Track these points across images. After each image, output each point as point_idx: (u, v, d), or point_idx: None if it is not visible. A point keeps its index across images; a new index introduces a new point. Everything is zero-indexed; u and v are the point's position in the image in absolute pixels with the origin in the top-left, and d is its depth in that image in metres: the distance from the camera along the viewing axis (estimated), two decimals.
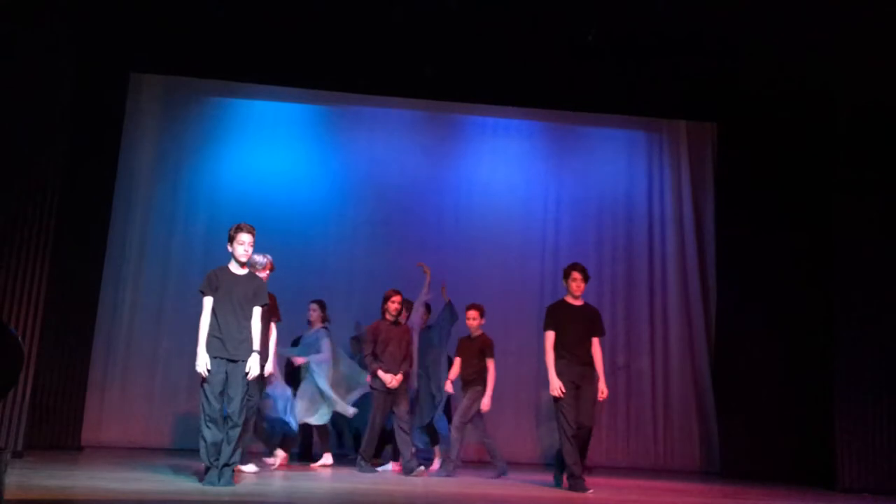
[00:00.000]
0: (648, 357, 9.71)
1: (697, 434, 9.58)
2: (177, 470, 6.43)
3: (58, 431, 8.04)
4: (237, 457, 5.54)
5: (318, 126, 10.04)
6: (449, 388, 7.61)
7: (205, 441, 5.44)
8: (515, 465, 8.67)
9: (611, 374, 8.59)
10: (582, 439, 6.45)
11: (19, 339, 6.65)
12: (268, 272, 6.83)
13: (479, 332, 7.60)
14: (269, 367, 6.83)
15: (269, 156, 9.74)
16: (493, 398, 7.51)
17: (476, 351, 7.51)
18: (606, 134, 10.39)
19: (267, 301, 5.92)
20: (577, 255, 10.04)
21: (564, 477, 6.58)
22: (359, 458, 7.24)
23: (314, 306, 7.79)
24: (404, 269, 9.08)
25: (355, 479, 6.56)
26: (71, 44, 7.65)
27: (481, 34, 8.71)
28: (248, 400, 6.51)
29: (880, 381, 7.71)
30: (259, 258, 6.77)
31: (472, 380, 7.44)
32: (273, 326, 6.96)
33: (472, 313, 7.65)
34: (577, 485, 6.30)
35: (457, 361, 7.61)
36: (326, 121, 10.05)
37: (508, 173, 10.16)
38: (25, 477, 5.38)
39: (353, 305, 9.07)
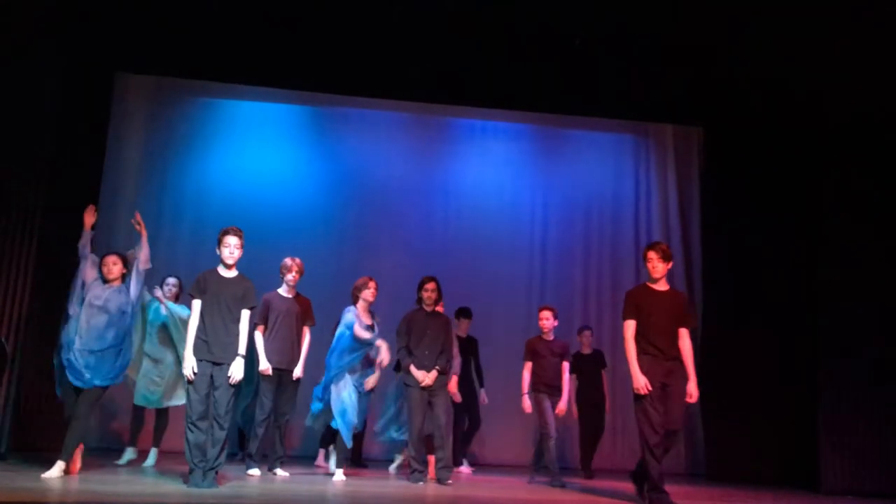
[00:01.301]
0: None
1: (683, 436, 9.61)
2: (161, 472, 6.40)
3: (42, 433, 7.97)
4: (223, 459, 5.53)
5: (305, 127, 10.03)
6: (528, 403, 7.25)
7: (188, 442, 5.43)
8: (510, 468, 8.73)
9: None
10: (666, 446, 5.64)
11: (3, 340, 6.64)
12: (293, 274, 6.88)
13: (553, 335, 7.37)
14: (298, 372, 6.90)
15: (256, 157, 9.73)
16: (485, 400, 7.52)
17: (558, 354, 7.27)
18: (594, 137, 10.44)
19: (255, 303, 5.91)
20: (564, 257, 10.12)
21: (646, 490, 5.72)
22: (410, 467, 6.73)
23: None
24: (392, 270, 9.07)
25: (339, 483, 6.54)
26: (57, 44, 7.62)
27: (470, 37, 8.73)
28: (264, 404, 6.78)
29: (864, 384, 7.77)
30: (287, 261, 6.99)
31: (557, 386, 7.19)
32: (307, 330, 7.02)
33: (546, 314, 7.36)
34: (661, 499, 5.51)
35: (528, 366, 7.32)
36: (314, 122, 10.05)
37: (496, 176, 10.18)
38: (9, 479, 5.35)
39: (341, 307, 9.04)
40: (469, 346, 8.12)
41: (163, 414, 7.22)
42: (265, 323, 6.87)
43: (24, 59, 7.29)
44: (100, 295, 5.91)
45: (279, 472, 6.75)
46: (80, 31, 8.15)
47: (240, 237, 5.72)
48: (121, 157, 9.34)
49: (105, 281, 6.00)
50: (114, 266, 6.03)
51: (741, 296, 9.19)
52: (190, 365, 5.48)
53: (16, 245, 7.07)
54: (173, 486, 5.51)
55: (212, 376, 5.51)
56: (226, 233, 5.73)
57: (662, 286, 5.84)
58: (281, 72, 9.36)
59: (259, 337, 6.79)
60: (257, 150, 9.75)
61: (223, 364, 5.53)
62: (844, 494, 7.52)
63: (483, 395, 8.20)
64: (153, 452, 7.07)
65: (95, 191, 8.96)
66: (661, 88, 9.51)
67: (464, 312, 8.31)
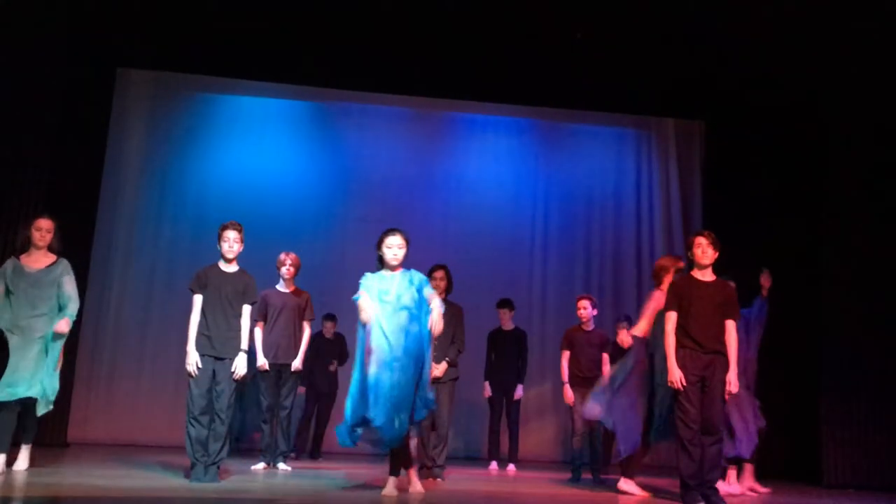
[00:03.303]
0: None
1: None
2: (163, 466, 6.41)
3: (44, 428, 7.98)
4: (225, 453, 5.54)
5: (307, 122, 10.02)
6: (569, 394, 7.09)
7: (189, 437, 5.44)
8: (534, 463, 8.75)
9: None
10: (707, 444, 5.33)
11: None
12: (287, 268, 6.90)
13: (592, 325, 7.23)
14: (297, 364, 6.91)
15: (257, 152, 9.72)
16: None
17: (596, 345, 7.15)
18: (595, 131, 10.42)
19: (256, 298, 5.94)
20: (566, 252, 10.11)
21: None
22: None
23: None
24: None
25: (342, 478, 6.54)
26: (59, 40, 7.62)
27: (472, 31, 8.71)
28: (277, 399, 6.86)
29: (865, 377, 7.77)
30: (281, 256, 7.02)
31: (595, 376, 6.97)
32: (307, 325, 7.04)
33: (584, 303, 7.23)
34: (690, 498, 5.34)
35: (565, 355, 7.19)
36: (316, 117, 10.03)
37: (498, 170, 10.17)
38: (10, 474, 5.35)
39: (343, 303, 9.01)
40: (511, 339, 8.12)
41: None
42: (264, 319, 6.90)
43: (26, 56, 7.30)
44: (388, 289, 5.28)
45: (282, 466, 6.76)
46: (82, 27, 8.15)
47: (239, 231, 5.74)
48: (122, 152, 9.33)
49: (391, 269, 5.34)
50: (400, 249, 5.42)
51: (743, 288, 9.13)
52: (193, 360, 5.50)
53: (17, 242, 7.06)
54: (175, 481, 5.51)
55: (214, 371, 5.52)
56: (225, 227, 5.75)
57: (708, 276, 5.58)
58: (282, 67, 9.35)
59: (258, 333, 6.81)
60: (258, 145, 9.74)
61: (225, 359, 5.55)
62: (846, 488, 7.52)
63: (519, 390, 8.05)
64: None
65: (96, 186, 8.97)
66: (663, 82, 9.49)
67: (503, 304, 8.28)
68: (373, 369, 5.00)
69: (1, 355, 5.81)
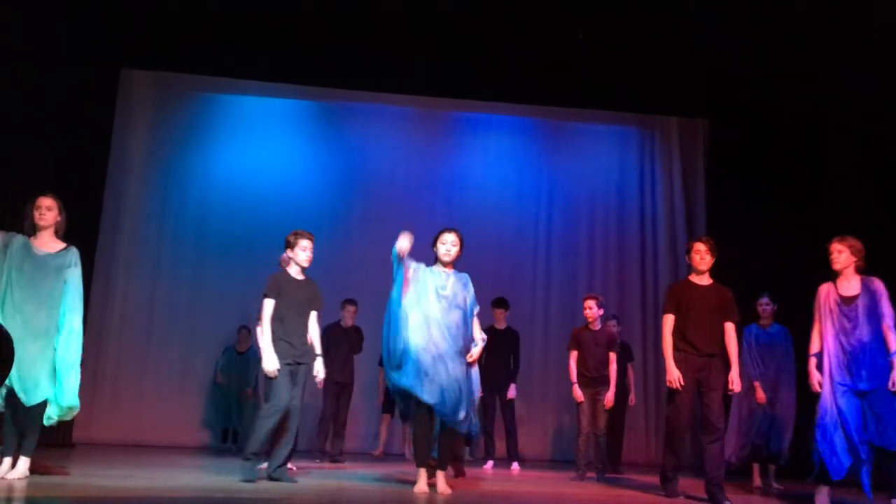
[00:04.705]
0: (640, 353, 9.72)
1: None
2: (168, 467, 6.42)
3: (48, 428, 7.98)
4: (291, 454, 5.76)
5: (310, 122, 10.04)
6: (579, 394, 7.12)
7: (263, 431, 5.48)
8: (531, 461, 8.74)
9: None
10: (706, 444, 5.51)
11: (9, 335, 6.64)
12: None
13: (599, 324, 7.28)
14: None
15: (260, 152, 9.74)
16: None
17: (603, 344, 7.19)
18: (599, 130, 10.43)
19: (322, 306, 5.99)
20: (570, 251, 10.11)
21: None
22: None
23: None
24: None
25: (353, 478, 6.54)
26: (62, 40, 7.64)
27: (474, 31, 8.72)
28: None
29: None
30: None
31: (602, 376, 7.12)
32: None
33: (589, 303, 7.30)
34: (667, 488, 5.66)
35: (573, 355, 7.24)
36: (319, 117, 10.05)
37: (501, 170, 10.18)
38: (8, 479, 5.34)
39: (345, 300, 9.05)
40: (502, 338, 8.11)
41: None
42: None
43: (29, 57, 7.31)
44: (445, 285, 5.44)
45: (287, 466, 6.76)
46: (85, 28, 8.16)
47: (313, 240, 5.81)
48: (125, 152, 9.37)
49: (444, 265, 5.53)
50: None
51: (746, 288, 9.12)
52: (274, 365, 5.50)
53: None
54: (179, 482, 5.52)
55: (290, 374, 5.59)
56: (300, 235, 5.79)
57: (706, 280, 5.73)
58: (284, 67, 9.37)
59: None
60: (261, 144, 9.77)
61: (303, 364, 5.66)
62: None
63: (512, 389, 8.05)
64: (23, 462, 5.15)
65: (100, 187, 8.99)
66: (666, 81, 9.49)
67: (499, 303, 8.27)
68: (427, 359, 5.08)
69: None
